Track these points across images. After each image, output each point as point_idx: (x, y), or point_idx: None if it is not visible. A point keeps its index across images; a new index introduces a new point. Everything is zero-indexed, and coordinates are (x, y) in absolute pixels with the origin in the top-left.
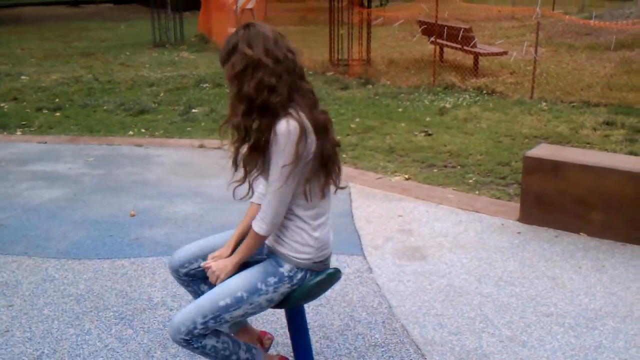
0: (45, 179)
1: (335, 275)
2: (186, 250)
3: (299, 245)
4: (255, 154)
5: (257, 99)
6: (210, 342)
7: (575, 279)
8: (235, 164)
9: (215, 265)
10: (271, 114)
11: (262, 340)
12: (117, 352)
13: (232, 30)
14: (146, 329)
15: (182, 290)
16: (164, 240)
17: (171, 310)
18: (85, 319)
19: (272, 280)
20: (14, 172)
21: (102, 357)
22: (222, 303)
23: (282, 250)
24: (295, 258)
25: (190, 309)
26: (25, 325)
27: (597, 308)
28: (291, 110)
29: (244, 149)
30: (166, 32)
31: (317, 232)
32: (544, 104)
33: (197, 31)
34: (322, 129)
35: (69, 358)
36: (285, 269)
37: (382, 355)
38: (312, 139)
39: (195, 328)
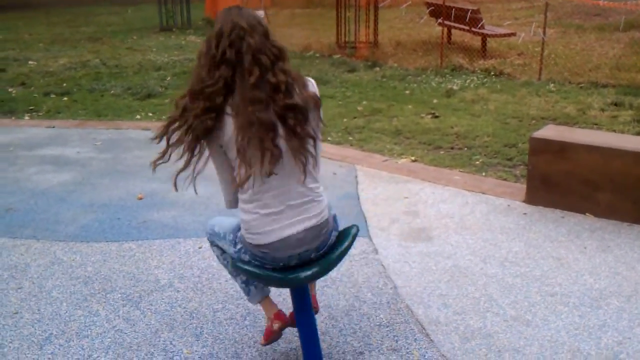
0: (53, 163)
1: (276, 280)
2: None
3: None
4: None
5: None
6: (216, 251)
7: (581, 259)
8: (160, 138)
9: None
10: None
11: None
12: (125, 333)
13: None
14: (153, 310)
15: (189, 272)
16: (171, 222)
17: (178, 291)
18: (93, 301)
19: (229, 237)
20: (22, 157)
21: (109, 338)
22: (216, 229)
23: None
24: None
25: (213, 220)
26: (34, 307)
27: (602, 288)
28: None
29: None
30: (173, 17)
31: (245, 215)
32: (552, 85)
33: (204, 15)
34: (245, 125)
35: (77, 339)
36: (238, 234)
37: (387, 335)
38: (225, 131)
39: (207, 234)
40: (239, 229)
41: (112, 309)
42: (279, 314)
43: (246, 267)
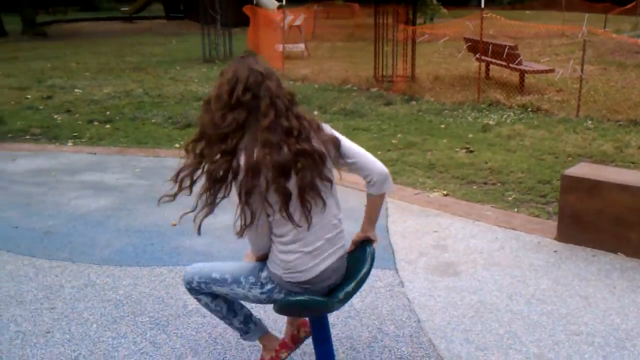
0: (93, 188)
1: (323, 304)
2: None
3: (272, 258)
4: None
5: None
6: (204, 299)
7: (609, 298)
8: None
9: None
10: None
11: (300, 329)
12: (150, 356)
13: (280, 46)
14: (179, 334)
15: None
16: (202, 249)
17: (204, 317)
18: (122, 323)
19: (251, 279)
20: (63, 182)
21: (135, 359)
22: (213, 275)
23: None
24: (270, 268)
25: (197, 266)
26: (65, 328)
27: (629, 328)
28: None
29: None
30: (215, 48)
31: (284, 256)
32: (590, 122)
33: (246, 47)
34: (254, 168)
35: None
36: (263, 275)
37: None
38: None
39: (192, 282)
40: (259, 269)
41: (139, 331)
42: (285, 343)
43: (298, 297)
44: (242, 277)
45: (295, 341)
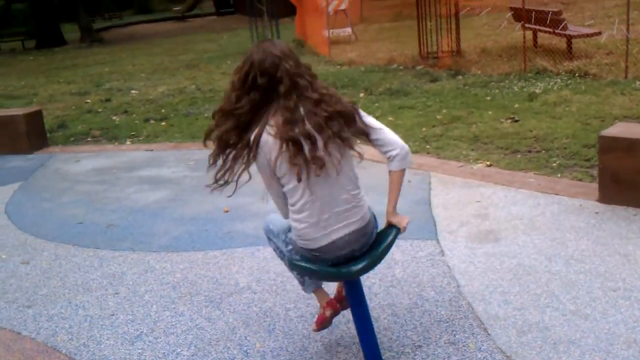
0: (150, 182)
1: (332, 274)
2: None
3: (291, 223)
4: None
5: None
6: (272, 244)
7: None
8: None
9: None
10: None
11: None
12: (206, 330)
13: (326, 33)
14: (232, 310)
15: (265, 276)
16: (252, 232)
17: (255, 293)
18: (180, 303)
19: (282, 237)
20: (123, 178)
21: (192, 335)
22: (270, 226)
23: None
24: (290, 232)
25: (268, 218)
26: (128, 310)
27: None
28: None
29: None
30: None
31: (295, 223)
32: (639, 82)
33: (294, 36)
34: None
35: (164, 336)
36: (288, 236)
37: (446, 330)
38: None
39: (264, 229)
40: (289, 230)
41: (195, 309)
42: (331, 302)
43: (303, 263)
44: (280, 233)
45: (339, 301)
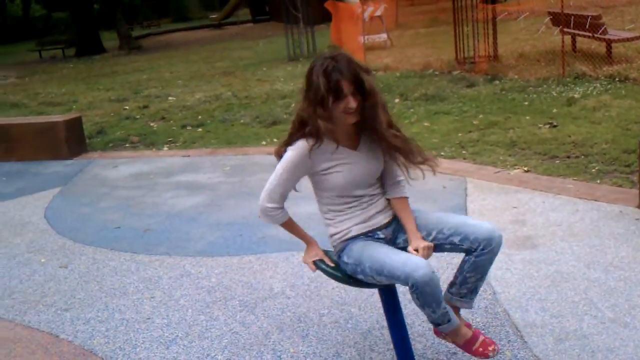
0: (187, 188)
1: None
2: None
3: None
4: None
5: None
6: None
7: None
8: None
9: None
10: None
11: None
12: (240, 335)
13: (361, 39)
14: (266, 315)
15: (299, 281)
16: (287, 237)
17: (289, 298)
18: (215, 307)
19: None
20: (160, 184)
21: (226, 339)
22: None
23: None
24: None
25: None
26: (164, 314)
27: None
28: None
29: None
30: (300, 47)
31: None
32: None
33: (329, 42)
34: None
35: (198, 340)
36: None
37: None
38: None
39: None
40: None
41: (230, 314)
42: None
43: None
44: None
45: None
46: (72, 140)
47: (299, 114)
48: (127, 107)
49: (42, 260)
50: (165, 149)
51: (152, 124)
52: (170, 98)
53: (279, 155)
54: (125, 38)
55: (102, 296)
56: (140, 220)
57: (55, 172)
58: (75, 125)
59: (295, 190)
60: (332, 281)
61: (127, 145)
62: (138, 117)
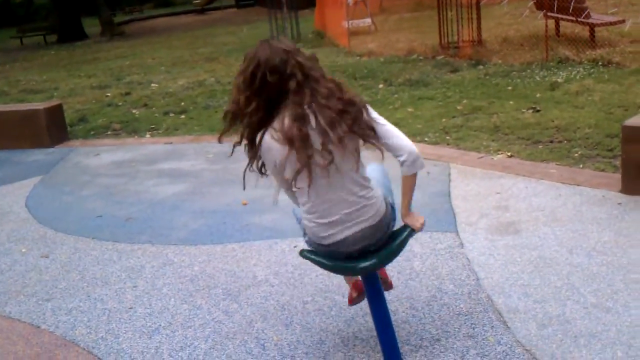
0: (169, 175)
1: (336, 267)
2: None
3: None
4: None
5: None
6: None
7: None
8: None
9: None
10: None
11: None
12: (223, 324)
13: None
14: (250, 303)
15: (283, 269)
16: (270, 225)
17: (272, 286)
18: (198, 296)
19: (301, 224)
20: (142, 171)
21: (210, 328)
22: (295, 211)
23: None
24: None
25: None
26: (147, 303)
27: None
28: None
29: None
30: (283, 31)
31: (308, 222)
32: None
33: (314, 28)
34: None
35: (181, 330)
36: (303, 224)
37: (465, 323)
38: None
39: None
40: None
41: (213, 302)
42: (357, 284)
43: (313, 256)
44: (298, 220)
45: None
46: (53, 128)
47: None
48: (109, 94)
49: (23, 250)
50: (148, 136)
51: (134, 111)
52: (152, 85)
53: None
54: (107, 24)
55: (83, 286)
56: (123, 209)
57: (36, 160)
58: (56, 113)
59: None
60: (316, 268)
61: (109, 132)
62: (120, 104)
